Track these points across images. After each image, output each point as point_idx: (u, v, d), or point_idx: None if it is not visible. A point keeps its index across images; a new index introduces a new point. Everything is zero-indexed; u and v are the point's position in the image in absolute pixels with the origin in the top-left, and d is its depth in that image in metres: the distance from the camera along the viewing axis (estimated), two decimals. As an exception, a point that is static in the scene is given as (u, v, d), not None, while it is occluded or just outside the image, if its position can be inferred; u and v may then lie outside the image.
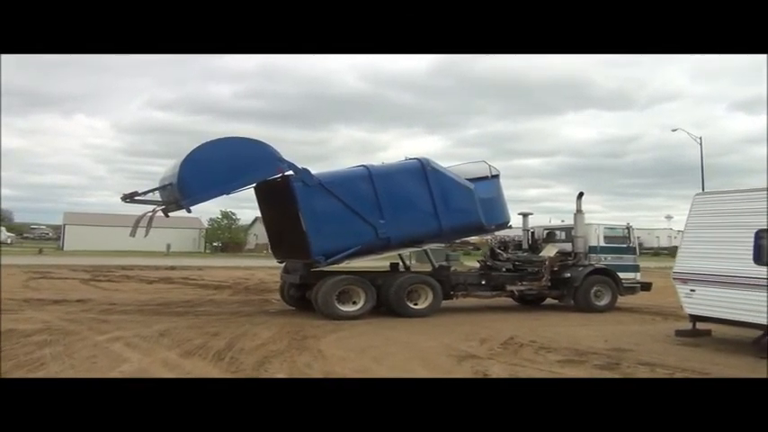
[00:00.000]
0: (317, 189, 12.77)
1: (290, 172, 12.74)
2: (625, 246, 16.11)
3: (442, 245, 17.02)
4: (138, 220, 12.85)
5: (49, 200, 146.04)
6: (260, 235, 56.61)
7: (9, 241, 64.44)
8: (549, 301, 16.25)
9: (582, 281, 15.11)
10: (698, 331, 10.33)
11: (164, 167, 14.47)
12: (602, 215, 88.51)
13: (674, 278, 10.44)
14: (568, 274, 15.28)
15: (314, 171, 13.07)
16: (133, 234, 12.71)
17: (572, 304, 15.23)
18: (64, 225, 65.18)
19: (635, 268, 16.16)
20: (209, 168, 12.00)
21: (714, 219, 9.84)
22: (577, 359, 8.81)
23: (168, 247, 53.76)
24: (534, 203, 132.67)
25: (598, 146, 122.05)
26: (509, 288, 15.09)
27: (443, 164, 14.89)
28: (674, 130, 40.25)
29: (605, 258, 15.66)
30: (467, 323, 12.51)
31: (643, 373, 7.93)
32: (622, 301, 15.71)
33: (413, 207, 13.85)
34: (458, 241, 28.57)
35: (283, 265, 14.86)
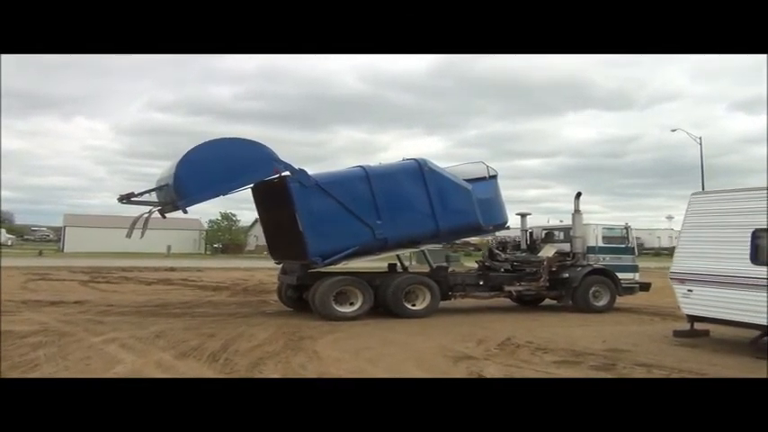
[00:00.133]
0: (313, 190, 12.74)
1: (287, 173, 12.72)
2: (623, 246, 16.06)
3: (441, 245, 17.00)
4: (135, 221, 12.86)
5: (49, 201, 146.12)
6: (260, 236, 56.28)
7: (9, 243, 64.59)
8: (547, 301, 16.20)
9: (580, 281, 15.06)
10: (696, 332, 10.27)
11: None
12: (603, 215, 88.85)
13: (672, 278, 10.39)
14: (567, 275, 15.23)
15: (313, 172, 13.09)
16: (129, 235, 12.72)
17: (570, 305, 15.19)
18: (64, 227, 65.17)
19: (633, 268, 16.11)
20: (206, 169, 11.99)
21: (711, 218, 9.79)
22: (573, 360, 8.77)
23: (168, 248, 53.88)
24: (534, 204, 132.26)
25: (598, 146, 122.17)
26: (507, 288, 15.04)
27: (443, 165, 14.91)
28: (673, 131, 40.42)
29: (604, 259, 15.61)
30: (464, 324, 12.47)
31: (640, 373, 7.88)
32: (621, 301, 15.66)
33: (410, 208, 13.82)
34: (458, 242, 28.71)
35: (281, 266, 14.85)
